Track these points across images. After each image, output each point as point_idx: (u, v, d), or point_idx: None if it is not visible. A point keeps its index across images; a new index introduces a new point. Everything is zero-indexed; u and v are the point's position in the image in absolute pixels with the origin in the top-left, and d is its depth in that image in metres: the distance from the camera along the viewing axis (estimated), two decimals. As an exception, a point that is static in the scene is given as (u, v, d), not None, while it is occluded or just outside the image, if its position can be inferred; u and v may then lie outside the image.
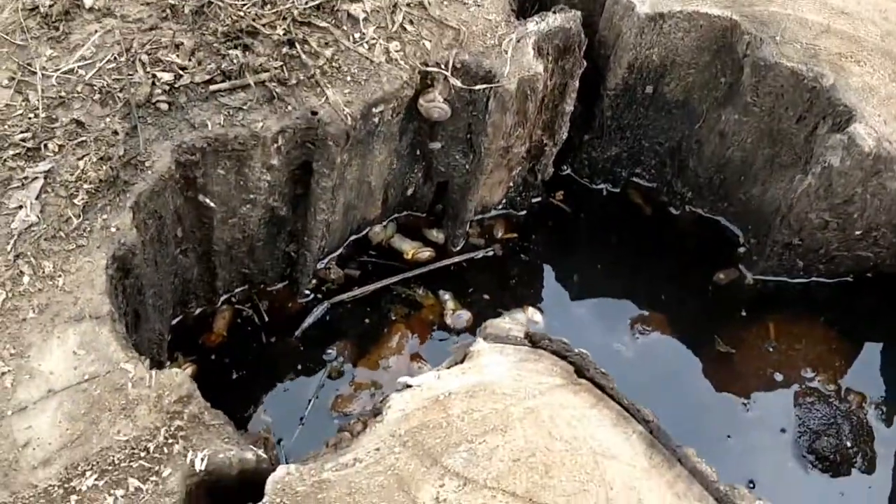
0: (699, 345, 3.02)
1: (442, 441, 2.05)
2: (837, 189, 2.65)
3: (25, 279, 2.26)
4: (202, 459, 2.07)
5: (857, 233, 2.80)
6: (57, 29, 2.60)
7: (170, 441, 2.10)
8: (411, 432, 2.07)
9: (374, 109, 2.53)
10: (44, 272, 2.28)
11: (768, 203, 2.96)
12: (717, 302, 3.10)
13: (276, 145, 2.51)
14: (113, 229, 2.33)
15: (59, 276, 2.28)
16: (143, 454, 2.08)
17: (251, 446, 2.12)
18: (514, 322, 2.23)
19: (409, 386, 2.14)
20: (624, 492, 1.96)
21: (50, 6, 2.61)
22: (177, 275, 2.81)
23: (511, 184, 3.13)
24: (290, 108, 2.49)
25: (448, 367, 2.18)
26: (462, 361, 2.18)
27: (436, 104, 2.61)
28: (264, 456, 2.12)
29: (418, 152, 2.94)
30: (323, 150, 2.56)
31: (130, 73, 2.53)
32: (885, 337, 3.05)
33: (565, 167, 3.30)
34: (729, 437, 2.83)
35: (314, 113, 2.48)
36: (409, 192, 3.12)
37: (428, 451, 2.03)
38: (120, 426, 2.10)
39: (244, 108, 2.47)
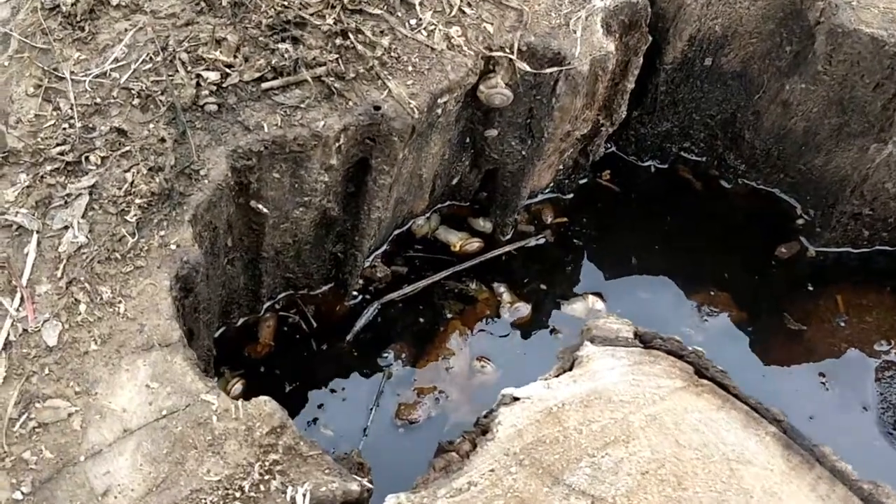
0: (768, 323, 2.92)
1: (561, 457, 1.91)
2: (920, 157, 2.55)
3: (82, 307, 2.06)
4: (304, 495, 1.91)
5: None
6: (82, 29, 2.37)
7: (266, 477, 1.93)
8: (527, 449, 1.93)
9: (438, 100, 2.35)
10: (101, 299, 2.08)
11: (832, 173, 2.85)
12: (780, 277, 3.00)
13: (337, 144, 2.32)
14: (173, 246, 2.14)
15: (120, 301, 2.08)
16: (238, 494, 1.91)
17: (354, 476, 1.96)
18: (621, 322, 2.09)
19: (516, 398, 2.00)
20: (765, 499, 1.84)
21: (72, 4, 2.38)
22: (224, 285, 2.62)
23: (560, 166, 2.98)
24: (350, 103, 2.30)
25: (556, 375, 2.03)
26: (571, 368, 2.03)
27: (498, 90, 2.44)
28: (368, 486, 1.97)
29: (468, 140, 2.78)
30: (384, 146, 2.38)
31: (171, 73, 2.32)
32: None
33: (609, 145, 3.16)
34: (811, 418, 2.73)
35: (377, 108, 2.30)
36: (455, 181, 2.95)
37: (547, 468, 1.89)
38: (209, 465, 1.92)
39: (301, 106, 2.28)
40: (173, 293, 2.11)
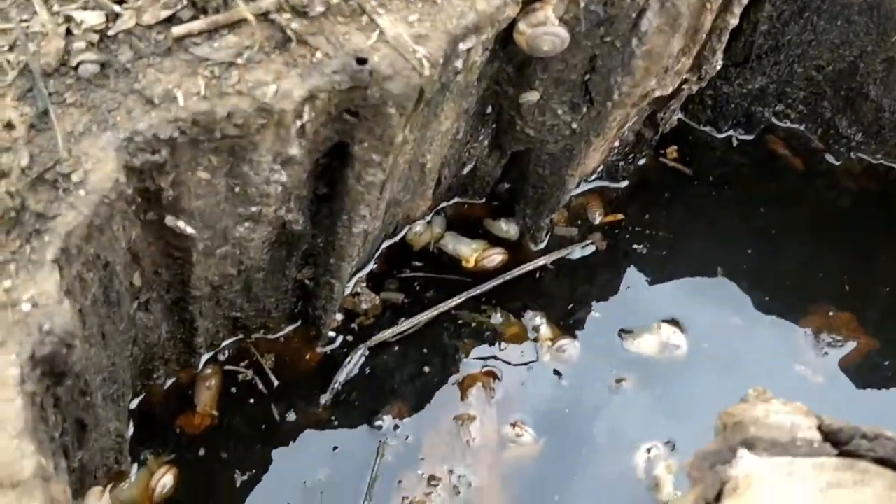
0: (910, 355, 2.10)
1: None
2: None
3: None
4: None
5: None
6: None
7: None
8: None
9: (459, 46, 1.48)
10: None
11: None
12: (917, 286, 2.17)
13: (299, 123, 1.45)
14: (25, 307, 1.25)
15: (-68, 409, 1.20)
16: None
17: None
18: (794, 411, 1.24)
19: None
20: None
21: None
22: (135, 341, 1.75)
23: (616, 143, 2.12)
24: (318, 55, 1.41)
25: (692, 512, 1.18)
26: (718, 498, 1.18)
27: (548, 30, 1.57)
28: None
29: (491, 109, 1.91)
30: (374, 124, 1.50)
31: (24, 17, 1.42)
32: None
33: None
34: None
35: (362, 61, 1.42)
36: (467, 169, 2.09)
37: None
38: None
39: (239, 61, 1.39)
40: (28, 387, 1.23)
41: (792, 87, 2.22)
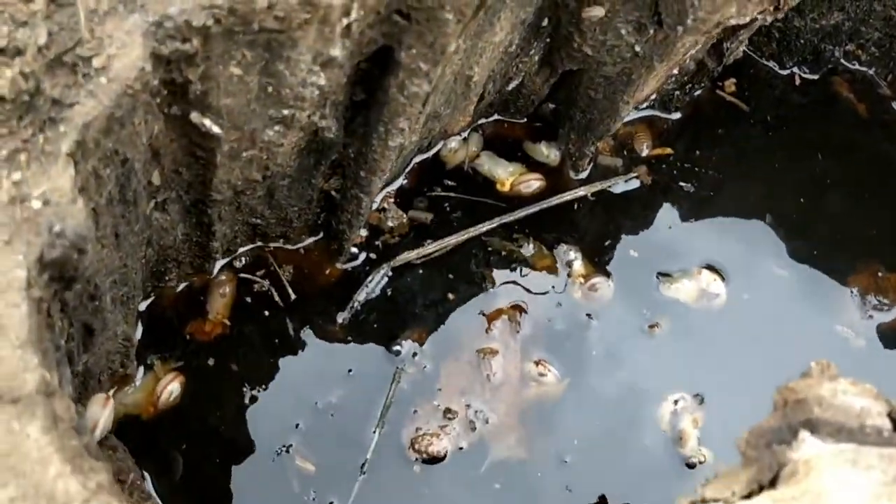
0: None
1: None
2: None
3: None
4: None
5: None
6: None
7: None
8: None
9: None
10: None
11: None
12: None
13: (345, 21, 1.30)
14: (36, 204, 1.13)
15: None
16: None
17: None
18: (863, 393, 1.14)
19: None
20: None
21: None
22: (149, 243, 1.63)
23: (676, 71, 1.97)
24: (375, -54, 1.26)
25: (746, 496, 1.08)
26: (774, 482, 1.08)
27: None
28: None
29: (547, 22, 1.76)
30: (427, 29, 1.36)
31: None
32: None
33: (736, 41, 2.15)
34: None
35: (421, -43, 1.27)
36: (512, 85, 1.94)
37: None
38: None
39: (286, -54, 1.25)
40: (35, 293, 1.12)
41: (867, 27, 2.06)
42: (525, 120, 2.09)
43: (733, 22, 1.62)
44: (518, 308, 1.92)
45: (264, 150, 1.53)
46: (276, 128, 1.49)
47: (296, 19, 1.27)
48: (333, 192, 1.81)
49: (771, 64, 2.15)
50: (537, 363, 1.87)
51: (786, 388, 1.17)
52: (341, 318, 1.87)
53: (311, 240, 1.92)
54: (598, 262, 1.98)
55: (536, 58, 1.87)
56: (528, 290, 1.94)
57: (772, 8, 1.76)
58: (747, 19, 1.61)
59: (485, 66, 1.69)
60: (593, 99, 1.87)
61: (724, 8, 1.52)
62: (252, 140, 1.50)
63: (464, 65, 1.62)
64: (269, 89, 1.41)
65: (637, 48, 1.70)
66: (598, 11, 1.63)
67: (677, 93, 2.05)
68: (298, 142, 1.56)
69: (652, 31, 1.65)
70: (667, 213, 2.03)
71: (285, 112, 1.46)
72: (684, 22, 1.57)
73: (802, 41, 2.07)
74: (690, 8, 1.54)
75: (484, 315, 1.91)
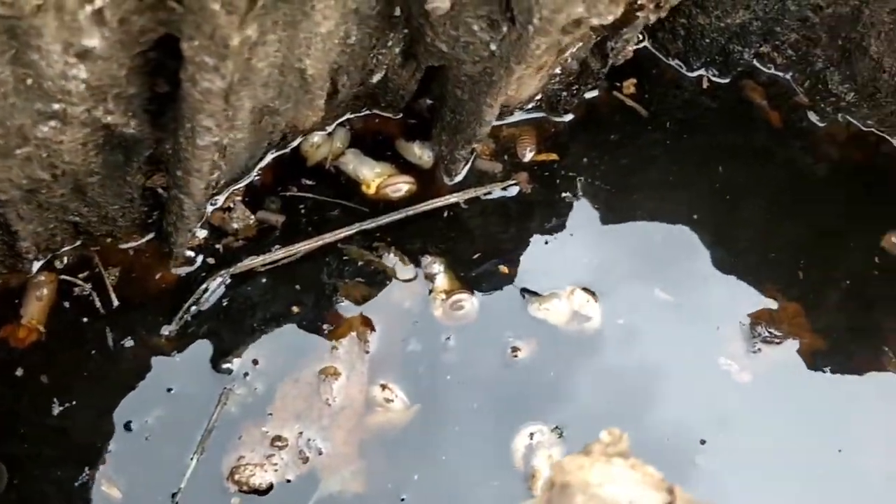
0: (860, 359, 1.80)
1: None
2: None
3: None
4: None
5: None
6: None
7: None
8: None
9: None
10: None
11: None
12: (886, 283, 1.86)
13: (89, 8, 1.11)
14: None
15: None
16: None
17: None
18: (639, 479, 0.95)
19: None
20: None
21: None
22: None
23: (558, 70, 1.77)
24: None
25: None
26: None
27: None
28: None
29: (398, 12, 1.56)
30: (202, 20, 1.17)
31: None
32: None
33: (641, 36, 1.95)
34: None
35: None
36: (376, 78, 1.74)
37: None
38: None
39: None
40: None
41: (782, 27, 1.85)
42: (400, 116, 1.90)
43: (595, 22, 1.41)
44: (369, 324, 1.74)
45: (42, 148, 1.35)
46: (52, 123, 1.31)
47: (26, 5, 1.08)
48: (160, 190, 1.63)
49: (677, 64, 1.95)
50: (383, 387, 1.69)
51: (557, 465, 0.99)
52: (168, 329, 1.69)
53: (143, 240, 1.74)
54: (465, 276, 1.79)
55: (397, 50, 1.67)
56: (383, 306, 1.76)
57: (652, 6, 1.56)
58: (610, 19, 1.40)
59: (319, 59, 1.49)
60: (460, 98, 1.68)
61: (568, 7, 1.31)
62: (24, 136, 1.31)
63: (287, 57, 1.42)
64: (29, 81, 1.22)
65: (493, 47, 1.50)
66: (442, 3, 1.43)
67: (564, 94, 1.85)
68: (87, 138, 1.38)
69: (506, 29, 1.45)
70: (545, 226, 1.84)
71: (56, 107, 1.27)
72: (532, 20, 1.37)
73: (708, 40, 1.86)
74: (535, 5, 1.34)
75: (330, 331, 1.73)
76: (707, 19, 1.81)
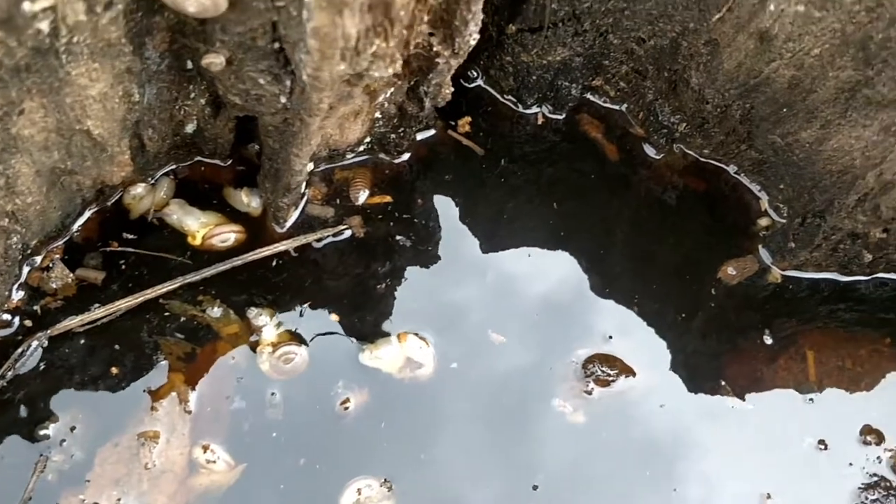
0: (694, 397, 1.78)
1: None
2: None
3: None
4: None
5: None
6: None
7: None
8: None
9: (24, 7, 1.08)
10: None
11: (829, 159, 1.67)
12: (722, 316, 1.84)
13: None
14: None
15: None
16: None
17: None
18: None
19: None
20: None
21: None
22: None
23: (379, 115, 1.74)
24: None
25: None
26: None
27: (191, -13, 1.18)
28: None
29: (189, 66, 1.52)
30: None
31: None
32: None
33: (475, 73, 1.93)
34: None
35: None
36: (189, 128, 1.71)
37: None
38: None
39: None
40: None
41: (611, 60, 1.84)
42: (230, 162, 1.86)
43: (377, 75, 1.38)
44: (191, 384, 1.69)
45: None
46: None
47: None
48: (-44, 261, 1.58)
49: (510, 100, 1.93)
50: (206, 448, 1.65)
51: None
52: (-22, 396, 1.64)
53: (-50, 303, 1.69)
54: (294, 327, 1.75)
55: (202, 101, 1.63)
56: (206, 363, 1.71)
57: (448, 52, 1.53)
58: (387, 72, 1.37)
59: (104, 119, 1.46)
60: (273, 148, 1.65)
61: (327, 65, 1.28)
62: None
63: (62, 121, 1.38)
64: None
65: (283, 100, 1.47)
66: (215, 59, 1.39)
67: (392, 136, 1.82)
68: None
69: (289, 83, 1.42)
70: (378, 271, 1.80)
71: None
72: (304, 77, 1.33)
73: (535, 77, 1.84)
74: (300, 63, 1.30)
75: (151, 392, 1.68)
76: (529, 57, 1.79)
